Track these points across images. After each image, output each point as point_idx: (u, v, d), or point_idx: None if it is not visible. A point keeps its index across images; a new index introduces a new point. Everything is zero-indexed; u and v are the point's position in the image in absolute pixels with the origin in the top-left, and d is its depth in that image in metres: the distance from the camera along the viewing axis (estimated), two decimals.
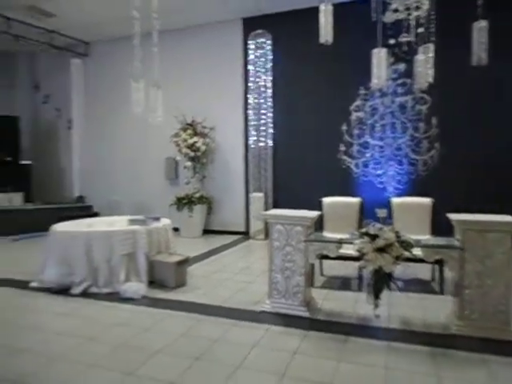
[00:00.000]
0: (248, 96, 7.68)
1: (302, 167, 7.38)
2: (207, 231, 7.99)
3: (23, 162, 8.94)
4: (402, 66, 6.44)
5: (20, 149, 8.91)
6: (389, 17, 3.46)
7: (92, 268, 4.11)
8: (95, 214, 8.50)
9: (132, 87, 4.96)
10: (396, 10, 3.63)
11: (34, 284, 4.30)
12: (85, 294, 4.02)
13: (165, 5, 5.55)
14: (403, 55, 5.78)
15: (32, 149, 9.60)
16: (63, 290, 4.07)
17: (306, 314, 3.40)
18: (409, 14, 3.71)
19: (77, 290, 4.01)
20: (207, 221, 8.02)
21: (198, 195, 7.66)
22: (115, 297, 3.96)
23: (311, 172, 7.29)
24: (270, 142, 7.58)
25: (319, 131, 7.21)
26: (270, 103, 7.54)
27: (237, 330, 3.19)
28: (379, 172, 6.84)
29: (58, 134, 9.77)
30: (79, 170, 9.39)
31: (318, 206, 4.58)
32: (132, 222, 4.51)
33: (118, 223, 4.84)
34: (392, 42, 4.15)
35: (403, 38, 4.10)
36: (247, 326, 3.26)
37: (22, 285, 4.39)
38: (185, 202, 7.55)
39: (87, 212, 8.63)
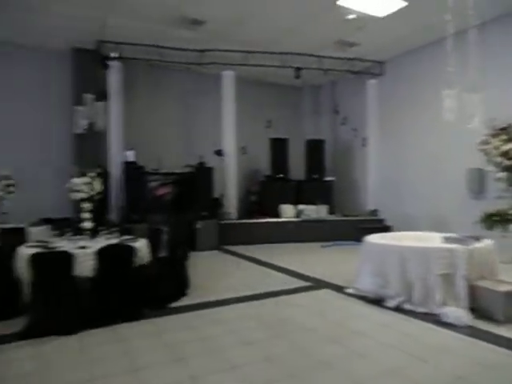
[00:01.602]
0: None
1: None
2: None
3: (327, 179, 10.19)
4: None
5: (324, 167, 10.20)
6: None
7: (406, 284, 4.03)
8: (387, 228, 8.58)
9: (443, 94, 4.69)
10: None
11: (349, 290, 4.66)
12: (398, 309, 3.99)
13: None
14: None
15: (332, 166, 10.83)
16: (377, 301, 4.20)
17: None
18: None
19: (391, 304, 4.03)
20: None
21: None
22: (431, 318, 3.71)
23: None
24: None
25: None
26: None
27: None
28: None
29: (353, 152, 10.62)
30: (372, 185, 9.80)
31: None
32: (447, 239, 4.15)
33: (428, 239, 4.60)
34: None
35: None
36: None
37: (339, 289, 4.86)
38: (496, 220, 6.41)
39: (380, 225, 8.84)
